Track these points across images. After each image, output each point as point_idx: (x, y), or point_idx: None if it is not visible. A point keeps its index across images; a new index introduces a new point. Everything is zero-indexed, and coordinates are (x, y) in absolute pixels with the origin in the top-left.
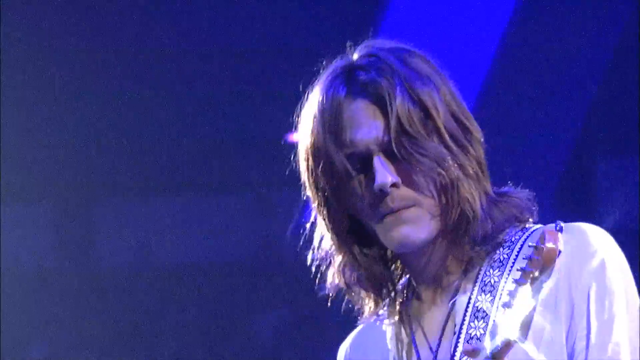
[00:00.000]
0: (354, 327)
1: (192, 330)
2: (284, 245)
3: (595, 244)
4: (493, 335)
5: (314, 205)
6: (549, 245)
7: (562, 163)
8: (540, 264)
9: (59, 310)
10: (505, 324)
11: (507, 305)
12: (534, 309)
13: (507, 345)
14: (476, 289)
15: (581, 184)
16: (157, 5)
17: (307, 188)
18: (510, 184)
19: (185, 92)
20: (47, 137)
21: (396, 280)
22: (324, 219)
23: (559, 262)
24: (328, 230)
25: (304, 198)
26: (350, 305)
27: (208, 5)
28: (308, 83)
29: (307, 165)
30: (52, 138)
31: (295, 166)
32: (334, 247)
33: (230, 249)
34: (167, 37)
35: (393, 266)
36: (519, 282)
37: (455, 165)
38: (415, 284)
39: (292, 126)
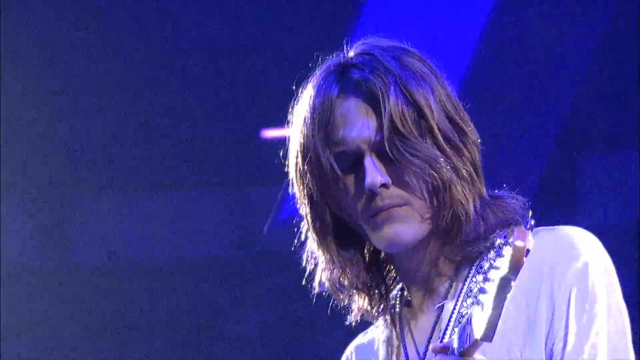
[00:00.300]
0: (342, 326)
1: (177, 327)
2: (267, 242)
3: (579, 246)
4: (463, 333)
5: (299, 202)
6: (518, 243)
7: (556, 160)
8: (507, 261)
9: (40, 308)
10: (474, 322)
11: (476, 302)
12: (502, 307)
13: (475, 343)
14: (462, 294)
15: (573, 181)
16: (147, 4)
17: (294, 184)
18: (505, 187)
19: (165, 91)
20: (28, 134)
21: (390, 284)
22: (307, 217)
23: (539, 262)
24: (310, 228)
25: (291, 194)
26: (338, 305)
27: (188, 4)
28: (290, 83)
29: (296, 161)
30: (33, 135)
31: (279, 163)
32: (315, 246)
33: (212, 246)
34: (155, 37)
35: (386, 269)
36: (487, 280)
37: (448, 166)
38: (406, 288)
39: (271, 124)
